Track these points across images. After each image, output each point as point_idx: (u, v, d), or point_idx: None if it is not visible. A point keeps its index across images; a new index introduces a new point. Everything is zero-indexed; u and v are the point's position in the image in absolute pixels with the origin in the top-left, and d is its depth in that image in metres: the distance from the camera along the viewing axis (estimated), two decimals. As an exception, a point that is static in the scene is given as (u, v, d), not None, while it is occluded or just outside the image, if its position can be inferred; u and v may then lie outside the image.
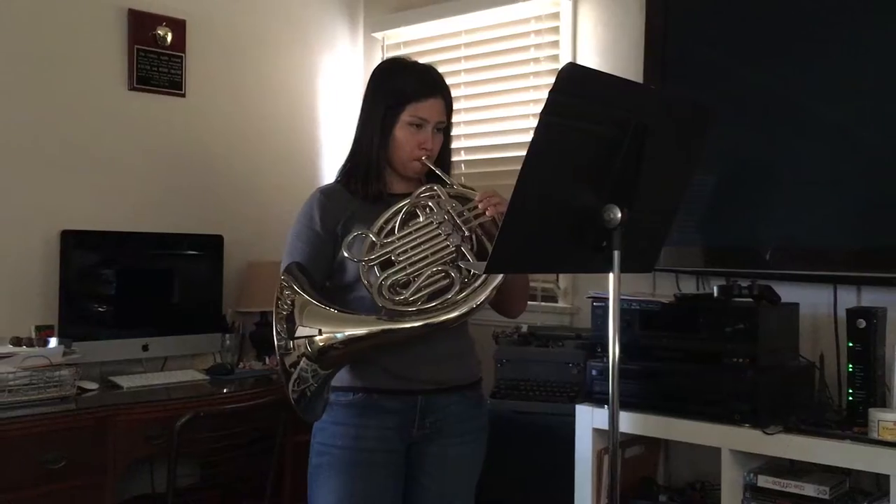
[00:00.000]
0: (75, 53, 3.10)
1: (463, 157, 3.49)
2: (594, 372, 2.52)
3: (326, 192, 2.02)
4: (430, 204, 1.90)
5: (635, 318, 2.47)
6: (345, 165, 2.05)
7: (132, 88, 3.23)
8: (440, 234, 1.85)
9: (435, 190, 1.92)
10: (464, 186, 2.00)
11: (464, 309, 1.78)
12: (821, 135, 2.48)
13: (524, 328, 2.99)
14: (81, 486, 2.54)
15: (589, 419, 2.48)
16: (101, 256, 3.09)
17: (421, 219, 1.89)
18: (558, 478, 2.54)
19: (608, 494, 2.42)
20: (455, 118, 3.50)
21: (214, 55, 3.48)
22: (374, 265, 1.85)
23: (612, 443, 1.63)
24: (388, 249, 1.85)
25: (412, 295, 1.80)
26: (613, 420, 1.61)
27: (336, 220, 1.96)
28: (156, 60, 3.28)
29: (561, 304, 3.23)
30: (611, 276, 1.59)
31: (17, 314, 2.88)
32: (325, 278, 1.99)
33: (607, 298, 1.62)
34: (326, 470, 1.93)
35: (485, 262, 1.58)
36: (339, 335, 1.77)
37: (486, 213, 1.86)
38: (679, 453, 2.74)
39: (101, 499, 2.59)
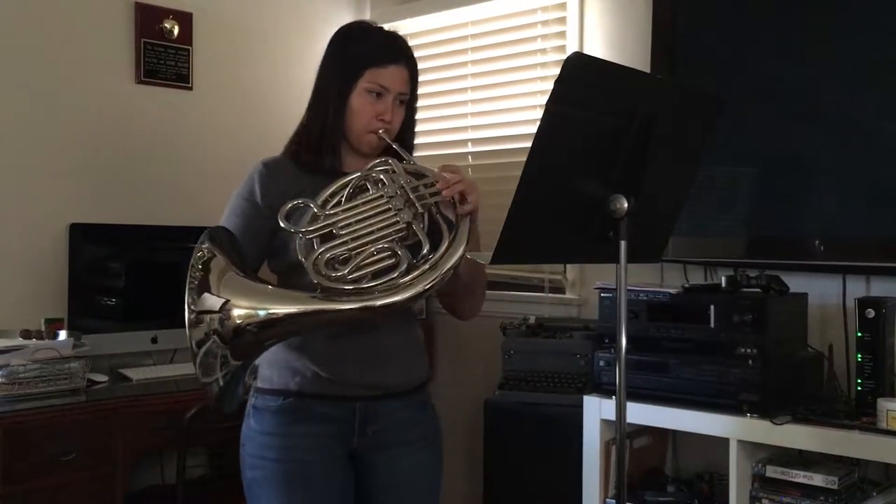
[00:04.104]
0: (82, 47, 3.10)
1: (470, 148, 3.49)
2: (602, 363, 2.52)
3: (270, 164, 1.82)
4: (382, 178, 1.67)
5: (643, 308, 2.47)
6: (295, 137, 1.85)
7: (139, 82, 3.23)
8: (390, 208, 1.63)
9: (390, 164, 1.70)
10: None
11: (408, 293, 1.55)
12: (829, 124, 2.47)
13: (532, 319, 2.99)
14: (91, 477, 2.55)
15: (597, 410, 2.48)
16: (109, 249, 3.10)
17: (371, 192, 1.67)
18: (566, 469, 2.55)
19: (616, 485, 2.42)
20: (462, 109, 3.56)
21: (221, 48, 3.48)
22: (313, 238, 1.62)
23: (619, 434, 1.63)
24: (330, 221, 1.63)
25: (352, 273, 1.56)
26: (621, 411, 1.61)
27: (280, 195, 1.71)
28: (163, 53, 3.28)
29: (568, 295, 3.23)
30: (617, 266, 1.59)
31: (27, 307, 2.89)
32: (262, 258, 1.79)
33: (614, 289, 1.62)
34: (263, 485, 1.73)
35: (483, 251, 1.55)
36: (261, 312, 1.53)
37: (443, 192, 1.64)
38: (687, 444, 2.74)
39: (111, 490, 2.60)
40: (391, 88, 1.77)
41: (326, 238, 1.62)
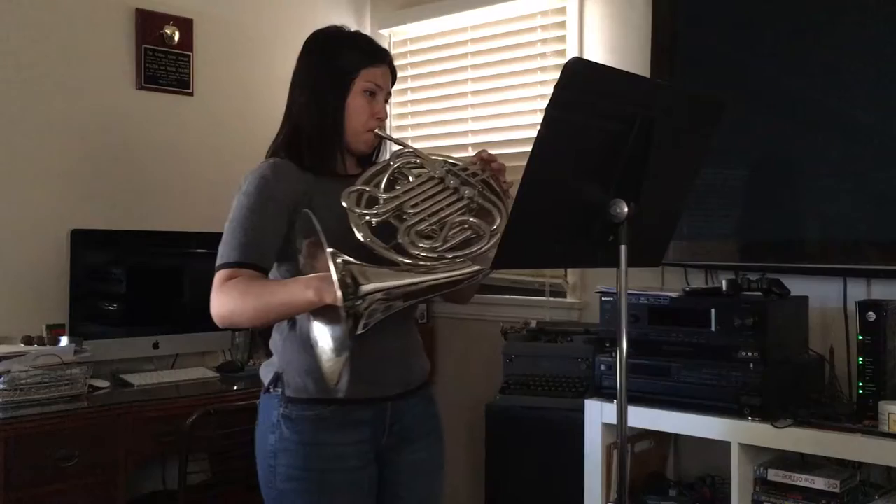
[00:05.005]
0: (83, 53, 3.11)
1: (470, 153, 3.48)
2: (603, 367, 2.52)
3: (278, 163, 1.79)
4: (424, 165, 1.75)
5: (644, 312, 2.47)
6: (292, 140, 1.83)
7: (140, 88, 3.24)
8: (447, 187, 1.71)
9: (419, 154, 1.78)
10: None
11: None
12: (830, 127, 2.48)
13: (533, 323, 2.99)
14: (93, 483, 2.55)
15: (598, 414, 2.48)
16: (110, 255, 3.10)
17: (411, 178, 1.73)
18: (568, 473, 2.55)
19: (618, 489, 2.42)
20: (462, 114, 3.57)
21: (222, 54, 3.49)
22: (366, 224, 1.63)
23: (620, 437, 1.63)
24: (399, 202, 1.67)
25: (443, 244, 1.62)
26: (622, 415, 1.61)
27: (292, 194, 1.74)
28: (163, 60, 3.29)
29: (569, 299, 3.23)
30: (618, 270, 1.59)
31: (29, 313, 2.90)
32: (275, 259, 1.76)
33: (615, 293, 1.62)
34: (302, 497, 1.73)
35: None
36: (425, 280, 1.60)
37: (483, 172, 1.75)
38: (688, 448, 2.74)
39: (113, 496, 2.60)
40: (384, 87, 1.84)
41: (384, 225, 1.65)
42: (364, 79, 1.81)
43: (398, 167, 1.75)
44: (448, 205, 1.69)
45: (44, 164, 3.00)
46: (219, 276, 1.73)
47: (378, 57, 1.84)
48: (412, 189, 1.70)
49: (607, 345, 2.57)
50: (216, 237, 3.54)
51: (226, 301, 1.70)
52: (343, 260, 1.52)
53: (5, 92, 2.92)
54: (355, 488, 1.75)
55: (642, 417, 2.38)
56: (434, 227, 1.66)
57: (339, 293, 1.47)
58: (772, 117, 2.59)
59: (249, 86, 3.57)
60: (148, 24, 3.24)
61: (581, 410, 2.52)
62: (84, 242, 2.99)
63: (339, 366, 1.57)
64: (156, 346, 3.14)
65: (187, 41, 3.35)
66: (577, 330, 2.92)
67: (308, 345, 1.68)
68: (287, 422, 1.74)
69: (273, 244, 1.73)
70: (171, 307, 3.25)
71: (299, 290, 1.59)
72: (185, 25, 3.34)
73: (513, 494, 2.78)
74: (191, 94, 3.38)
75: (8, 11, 2.93)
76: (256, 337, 3.47)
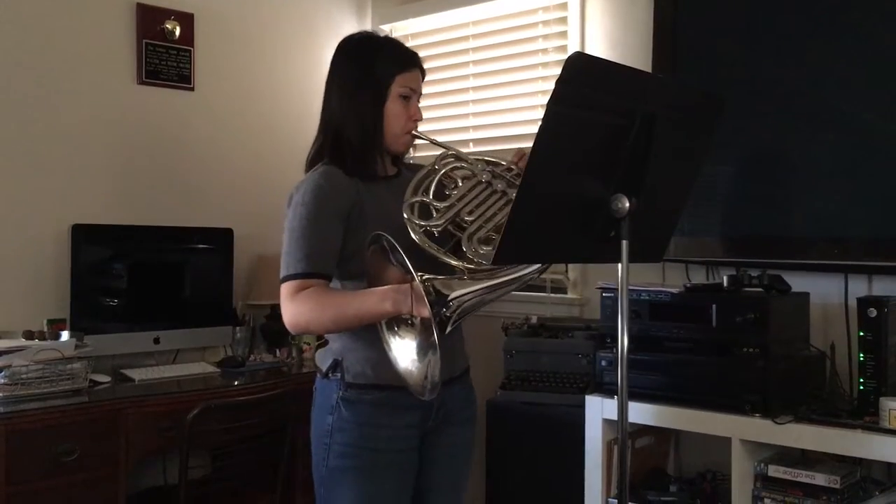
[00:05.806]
0: (84, 48, 3.10)
1: (472, 148, 3.49)
2: (604, 362, 2.53)
3: (329, 172, 1.85)
4: (471, 169, 1.83)
5: (645, 308, 2.47)
6: (330, 146, 1.90)
7: (141, 82, 3.24)
8: (496, 191, 1.79)
9: (461, 157, 1.85)
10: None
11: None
12: (831, 124, 2.47)
13: (534, 319, 2.99)
14: (94, 478, 2.55)
15: (598, 410, 2.48)
16: (111, 250, 3.10)
17: (460, 182, 1.81)
18: (569, 468, 2.55)
19: (618, 485, 2.42)
20: (463, 110, 3.57)
21: (222, 49, 3.48)
22: (425, 232, 1.72)
23: (621, 433, 1.63)
24: (455, 210, 1.74)
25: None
26: (622, 410, 1.61)
27: (347, 200, 1.82)
28: (164, 54, 3.28)
29: (570, 294, 3.23)
30: (619, 266, 1.59)
31: (30, 308, 2.90)
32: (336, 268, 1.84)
33: (616, 289, 1.62)
34: (353, 473, 1.84)
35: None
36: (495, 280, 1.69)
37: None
38: (689, 443, 2.74)
39: (114, 491, 2.60)
40: (417, 90, 1.94)
41: (440, 234, 1.73)
42: (399, 84, 1.89)
43: (444, 172, 1.83)
44: (499, 209, 1.76)
45: (44, 159, 3.00)
46: (288, 286, 1.79)
47: (411, 62, 1.93)
48: (464, 196, 1.78)
49: (608, 340, 2.57)
50: (216, 232, 3.57)
51: (302, 311, 1.77)
52: (426, 276, 1.60)
53: (5, 87, 2.91)
54: (400, 470, 1.87)
55: (643, 413, 2.38)
56: (491, 232, 1.72)
57: (427, 303, 1.56)
58: (772, 113, 2.58)
59: (250, 80, 3.57)
60: (149, 19, 3.24)
61: (582, 406, 2.52)
62: (85, 237, 2.99)
63: (421, 372, 1.67)
64: (157, 340, 3.14)
65: (188, 36, 3.35)
66: (578, 326, 2.92)
67: (363, 334, 1.80)
68: (346, 404, 1.85)
69: (335, 251, 1.82)
70: (172, 302, 3.26)
71: (376, 302, 1.69)
72: (186, 20, 3.34)
73: (513, 490, 2.78)
74: (192, 89, 3.38)
75: (8, 7, 2.93)
76: (257, 332, 3.48)
